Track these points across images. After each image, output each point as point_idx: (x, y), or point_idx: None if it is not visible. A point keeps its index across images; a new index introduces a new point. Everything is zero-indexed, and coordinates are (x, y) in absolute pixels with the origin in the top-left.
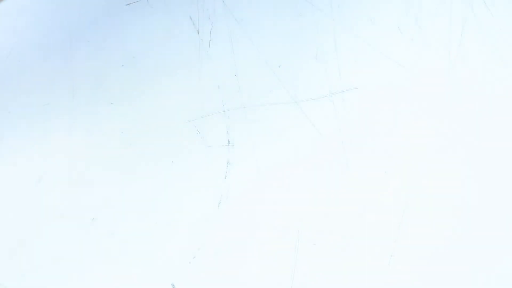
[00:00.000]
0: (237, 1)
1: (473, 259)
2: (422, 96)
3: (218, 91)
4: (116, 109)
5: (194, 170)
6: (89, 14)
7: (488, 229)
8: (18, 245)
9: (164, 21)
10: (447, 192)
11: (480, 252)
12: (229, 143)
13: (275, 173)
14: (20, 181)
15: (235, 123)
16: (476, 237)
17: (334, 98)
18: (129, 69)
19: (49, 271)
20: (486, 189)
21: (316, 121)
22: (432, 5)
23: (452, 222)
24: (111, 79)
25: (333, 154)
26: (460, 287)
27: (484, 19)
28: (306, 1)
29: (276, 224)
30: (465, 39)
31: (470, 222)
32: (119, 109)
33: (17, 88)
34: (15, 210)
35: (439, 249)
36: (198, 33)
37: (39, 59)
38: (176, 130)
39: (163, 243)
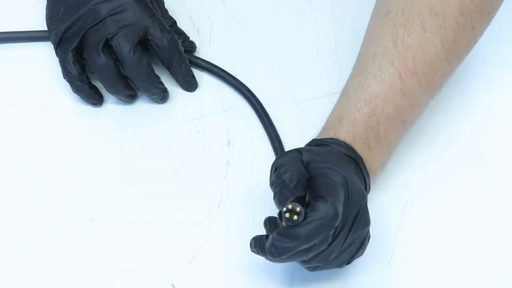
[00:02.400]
0: (237, 1)
1: (474, 259)
2: None
3: (218, 91)
4: (116, 109)
5: (194, 170)
6: None
7: (489, 228)
8: (18, 245)
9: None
10: (447, 192)
11: (480, 252)
12: (229, 143)
13: None
14: (20, 181)
15: (235, 123)
16: (477, 237)
17: (334, 98)
18: None
19: (49, 271)
20: (486, 189)
21: (316, 121)
22: None
23: (453, 222)
24: None
25: None
26: (460, 287)
27: None
28: (306, 1)
29: None
30: None
31: (470, 221)
32: (119, 109)
33: (17, 88)
34: (15, 210)
35: (439, 249)
36: (198, 33)
37: (39, 59)
38: (176, 130)
39: (163, 243)
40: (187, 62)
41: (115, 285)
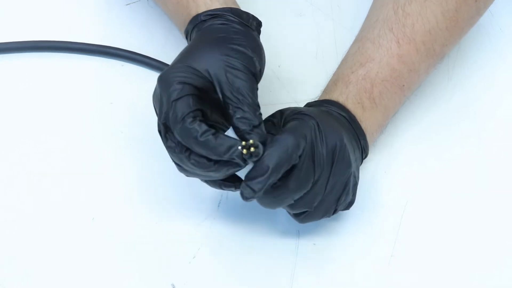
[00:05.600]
0: (237, 1)
1: (474, 259)
2: (421, 96)
3: None
4: (116, 109)
5: None
6: (89, 14)
7: (489, 228)
8: (18, 245)
9: (164, 21)
10: (447, 192)
11: (480, 252)
12: None
13: None
14: (20, 181)
15: None
16: (477, 237)
17: None
18: (129, 69)
19: (49, 271)
20: (487, 189)
21: None
22: None
23: (452, 222)
24: (111, 79)
25: None
26: (460, 287)
27: (484, 19)
28: (306, 1)
29: (276, 224)
30: (465, 39)
31: (470, 221)
32: (119, 109)
33: (18, 88)
34: (15, 210)
35: (439, 249)
36: None
37: (39, 59)
38: None
39: (163, 243)
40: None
41: (115, 285)
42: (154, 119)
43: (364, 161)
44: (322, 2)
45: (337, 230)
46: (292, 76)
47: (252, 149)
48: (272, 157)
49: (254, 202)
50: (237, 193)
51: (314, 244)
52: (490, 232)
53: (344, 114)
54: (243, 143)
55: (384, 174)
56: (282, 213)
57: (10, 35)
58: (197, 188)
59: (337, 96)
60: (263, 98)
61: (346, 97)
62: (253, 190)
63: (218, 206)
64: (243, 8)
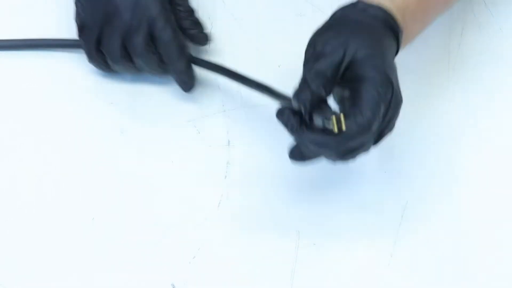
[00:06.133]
0: (237, 1)
1: (473, 259)
2: (421, 96)
3: (218, 91)
4: (116, 109)
5: (194, 170)
6: None
7: (489, 228)
8: (18, 245)
9: None
10: (447, 192)
11: (480, 252)
12: (229, 143)
13: (275, 173)
14: (20, 181)
15: (235, 123)
16: (477, 237)
17: None
18: None
19: (49, 271)
20: (486, 189)
21: None
22: None
23: (453, 222)
24: (111, 79)
25: None
26: (460, 287)
27: (484, 19)
28: (306, 1)
29: (276, 224)
30: (465, 39)
31: (470, 221)
32: (119, 109)
33: (17, 88)
34: (15, 210)
35: (439, 249)
36: None
37: (39, 59)
38: (176, 130)
39: (163, 243)
40: (185, 60)
41: (115, 285)
42: (155, 119)
43: (364, 161)
44: (322, 2)
45: (337, 230)
46: (292, 76)
47: (343, 127)
48: (347, 137)
49: (254, 202)
50: (236, 193)
51: (314, 244)
52: (491, 232)
53: (393, 26)
54: (334, 117)
55: (384, 174)
56: (282, 213)
57: (10, 33)
58: (197, 188)
59: (388, 3)
60: (263, 98)
61: (397, 9)
62: (314, 155)
63: (218, 206)
64: (243, 7)
